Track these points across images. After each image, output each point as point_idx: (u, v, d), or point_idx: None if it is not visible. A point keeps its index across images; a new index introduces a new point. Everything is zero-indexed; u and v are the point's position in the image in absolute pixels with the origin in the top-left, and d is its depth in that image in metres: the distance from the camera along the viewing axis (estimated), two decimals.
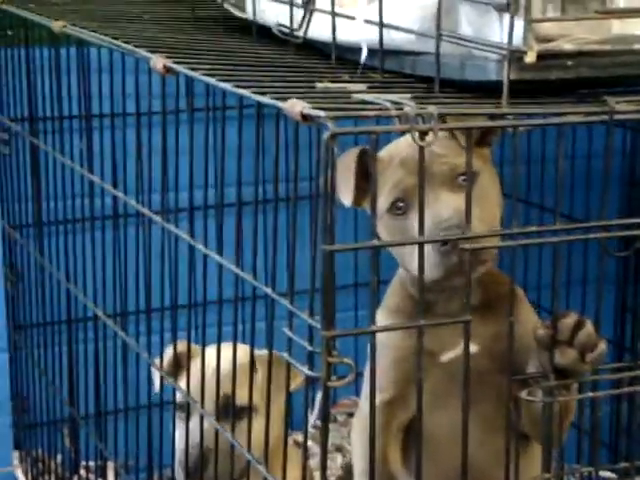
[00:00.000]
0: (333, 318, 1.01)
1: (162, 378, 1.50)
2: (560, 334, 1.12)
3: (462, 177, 1.25)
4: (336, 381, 1.02)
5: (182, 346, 1.47)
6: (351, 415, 2.31)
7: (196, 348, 1.42)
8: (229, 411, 1.36)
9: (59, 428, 1.99)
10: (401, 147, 1.31)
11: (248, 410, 1.26)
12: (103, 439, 1.75)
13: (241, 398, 1.31)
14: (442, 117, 1.04)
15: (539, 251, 2.02)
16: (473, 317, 1.33)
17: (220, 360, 1.28)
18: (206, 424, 1.37)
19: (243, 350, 1.29)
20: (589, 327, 1.14)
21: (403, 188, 1.27)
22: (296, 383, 1.36)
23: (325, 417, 1.05)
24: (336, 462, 2.20)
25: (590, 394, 1.10)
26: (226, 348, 1.28)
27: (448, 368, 1.33)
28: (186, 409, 1.40)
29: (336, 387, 1.02)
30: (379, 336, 1.38)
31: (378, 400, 1.36)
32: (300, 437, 2.14)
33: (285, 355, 1.12)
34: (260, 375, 1.24)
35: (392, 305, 1.40)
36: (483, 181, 1.30)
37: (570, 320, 1.13)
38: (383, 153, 1.33)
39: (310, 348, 1.05)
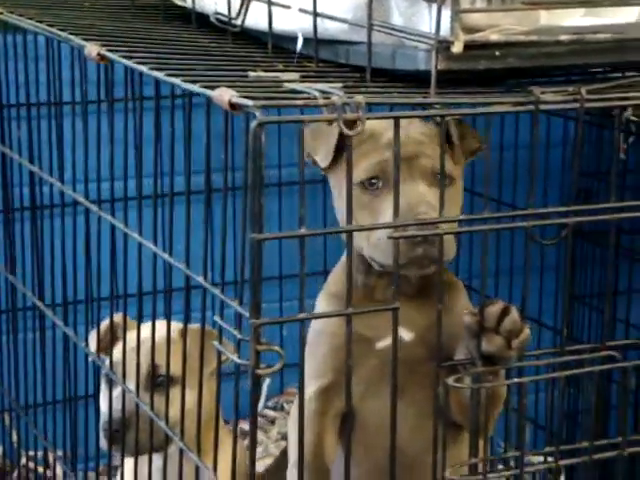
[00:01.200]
0: (260, 306, 1.02)
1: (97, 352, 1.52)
2: (486, 321, 1.14)
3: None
4: (265, 369, 1.03)
5: (118, 318, 1.48)
6: None
7: (132, 322, 1.43)
8: (157, 381, 1.42)
9: (1, 418, 1.97)
10: (389, 126, 1.31)
11: (166, 380, 1.30)
12: (44, 429, 1.74)
13: (164, 368, 1.36)
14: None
15: (481, 240, 2.04)
16: (410, 305, 1.35)
17: (140, 331, 1.32)
18: (130, 393, 1.40)
19: (175, 326, 1.32)
20: (514, 314, 1.16)
21: (384, 168, 1.29)
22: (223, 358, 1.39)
23: (254, 404, 1.06)
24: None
25: (516, 380, 1.11)
26: (158, 324, 1.30)
27: (383, 355, 1.34)
28: (108, 378, 1.45)
29: (265, 375, 1.03)
30: (317, 322, 1.39)
31: (315, 386, 1.38)
32: (247, 425, 2.15)
33: (216, 344, 1.13)
34: (189, 347, 1.26)
35: (333, 290, 1.40)
36: (456, 188, 1.34)
37: (496, 308, 1.15)
38: (370, 124, 1.32)
39: (239, 336, 1.06)
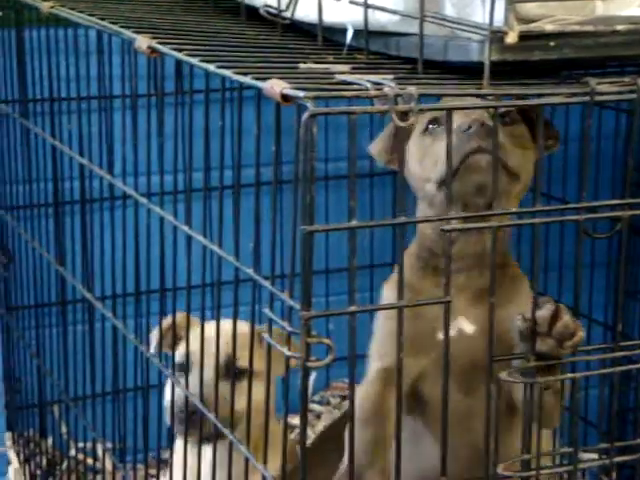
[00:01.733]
0: (311, 299, 1.01)
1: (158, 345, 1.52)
2: (538, 327, 1.14)
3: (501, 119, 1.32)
4: (315, 361, 1.03)
5: (181, 317, 1.48)
6: (344, 398, 2.32)
7: (194, 319, 1.43)
8: (229, 371, 1.43)
9: (50, 410, 1.99)
10: None
11: (248, 372, 1.28)
12: (92, 421, 1.76)
13: (241, 360, 1.41)
14: None
15: (531, 234, 2.01)
16: (475, 298, 1.37)
17: (220, 322, 1.31)
18: (205, 379, 1.41)
19: (243, 323, 1.31)
20: (565, 318, 1.15)
21: (441, 114, 1.34)
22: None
23: (304, 396, 1.05)
24: None
25: (569, 375, 1.10)
26: (225, 321, 1.30)
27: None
28: (186, 366, 1.44)
29: (316, 368, 1.03)
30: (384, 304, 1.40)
31: (378, 366, 1.43)
32: (295, 420, 2.15)
33: (266, 337, 1.13)
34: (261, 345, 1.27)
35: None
36: (519, 130, 1.38)
37: (547, 312, 1.15)
38: None
39: (289, 329, 1.05)
